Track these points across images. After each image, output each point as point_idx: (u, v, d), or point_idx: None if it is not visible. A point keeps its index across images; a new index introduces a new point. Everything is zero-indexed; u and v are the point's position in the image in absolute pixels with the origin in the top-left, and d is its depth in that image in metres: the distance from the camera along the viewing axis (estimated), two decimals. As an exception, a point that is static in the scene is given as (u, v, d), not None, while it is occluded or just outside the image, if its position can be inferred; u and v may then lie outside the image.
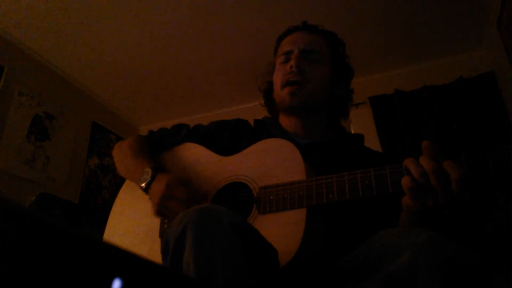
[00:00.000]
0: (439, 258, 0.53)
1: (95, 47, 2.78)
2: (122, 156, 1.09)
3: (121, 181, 1.14)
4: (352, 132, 3.02)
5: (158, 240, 0.94)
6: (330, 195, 0.78)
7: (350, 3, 2.48)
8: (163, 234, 0.94)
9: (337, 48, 1.14)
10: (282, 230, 0.78)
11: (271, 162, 0.90)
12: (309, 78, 1.02)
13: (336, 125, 1.15)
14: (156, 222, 0.97)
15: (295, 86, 1.01)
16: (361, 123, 3.02)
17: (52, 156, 2.81)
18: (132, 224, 1.01)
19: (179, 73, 3.11)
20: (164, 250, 0.68)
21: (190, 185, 0.92)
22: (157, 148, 1.13)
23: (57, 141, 2.88)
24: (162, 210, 0.90)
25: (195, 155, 1.06)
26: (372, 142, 2.86)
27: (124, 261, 0.26)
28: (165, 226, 0.96)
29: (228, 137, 1.08)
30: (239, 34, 2.72)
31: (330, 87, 1.08)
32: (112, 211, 1.09)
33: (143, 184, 0.94)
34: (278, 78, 1.06)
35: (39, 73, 2.85)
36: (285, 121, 1.10)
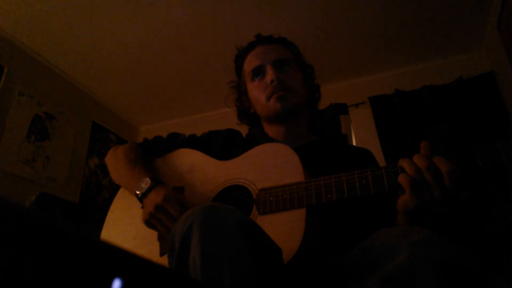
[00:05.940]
0: (437, 258, 0.53)
1: (95, 47, 2.78)
2: (117, 163, 1.08)
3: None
4: (353, 132, 3.03)
5: (157, 243, 0.93)
6: (329, 195, 0.79)
7: (351, 3, 2.48)
8: (161, 237, 0.94)
9: (294, 50, 1.17)
10: (282, 229, 0.79)
11: (269, 165, 0.91)
12: (291, 87, 1.05)
13: (317, 127, 1.20)
14: None
15: (281, 92, 1.04)
16: (361, 123, 3.02)
17: (52, 156, 2.81)
18: (130, 228, 1.01)
19: (179, 73, 3.11)
20: (171, 248, 0.68)
21: (186, 204, 0.90)
22: (153, 154, 1.13)
23: (57, 141, 2.88)
24: (151, 220, 0.89)
25: (192, 160, 1.06)
26: (372, 142, 2.86)
27: (124, 261, 0.26)
28: None
29: (221, 146, 1.09)
30: (240, 34, 2.72)
31: (306, 88, 1.13)
32: (108, 217, 1.08)
33: (138, 192, 0.93)
34: (259, 94, 1.07)
35: (39, 73, 2.85)
36: (270, 130, 1.12)
